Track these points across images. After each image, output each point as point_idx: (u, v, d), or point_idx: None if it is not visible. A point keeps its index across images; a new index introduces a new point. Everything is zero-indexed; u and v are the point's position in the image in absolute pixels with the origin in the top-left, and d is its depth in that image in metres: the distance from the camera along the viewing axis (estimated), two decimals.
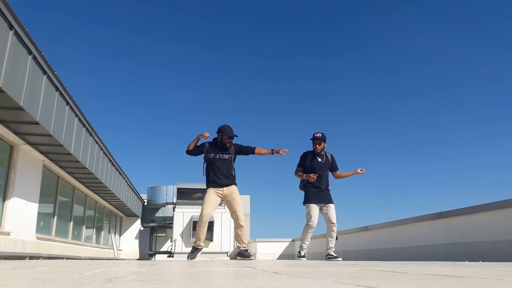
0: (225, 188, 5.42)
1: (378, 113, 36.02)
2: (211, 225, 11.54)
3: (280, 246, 11.01)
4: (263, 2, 35.37)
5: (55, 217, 10.39)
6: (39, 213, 8.78)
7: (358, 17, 34.74)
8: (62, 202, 10.99)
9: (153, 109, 35.39)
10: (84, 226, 13.35)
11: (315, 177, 5.55)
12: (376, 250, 6.63)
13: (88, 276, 1.69)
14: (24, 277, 1.63)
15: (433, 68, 33.74)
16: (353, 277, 1.57)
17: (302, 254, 5.69)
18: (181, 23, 34.60)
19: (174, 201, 14.33)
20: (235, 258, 6.10)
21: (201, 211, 5.36)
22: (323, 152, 5.82)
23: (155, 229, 18.65)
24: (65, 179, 10.81)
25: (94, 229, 14.80)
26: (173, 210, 12.81)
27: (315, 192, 5.62)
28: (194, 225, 11.82)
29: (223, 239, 12.23)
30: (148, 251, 18.01)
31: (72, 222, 11.85)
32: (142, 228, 19.20)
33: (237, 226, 5.49)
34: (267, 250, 10.96)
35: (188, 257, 5.45)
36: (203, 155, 5.54)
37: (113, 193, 13.17)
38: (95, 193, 13.33)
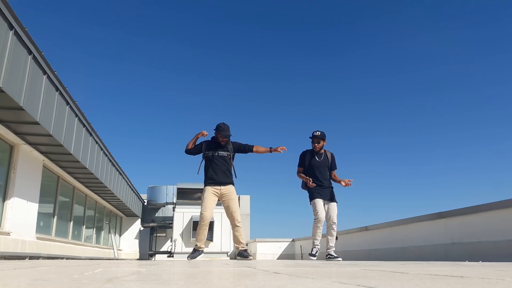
0: (222, 187, 5.42)
1: (378, 113, 36.03)
2: (211, 225, 11.53)
3: (280, 246, 11.02)
4: (263, 2, 35.38)
5: (55, 217, 10.39)
6: (39, 213, 8.78)
7: (358, 17, 34.74)
8: (62, 202, 10.99)
9: (153, 109, 35.40)
10: (84, 226, 13.35)
11: (313, 185, 5.55)
12: (376, 250, 6.63)
13: (88, 276, 1.69)
14: (24, 277, 1.64)
15: (433, 68, 33.74)
16: (353, 277, 1.57)
17: (313, 252, 5.58)
18: (181, 23, 34.61)
19: (174, 201, 14.35)
20: (235, 258, 6.10)
21: (201, 214, 5.34)
22: (322, 151, 5.80)
23: (155, 229, 18.65)
24: (65, 179, 10.81)
25: (94, 229, 14.80)
26: (173, 210, 12.82)
27: (319, 189, 5.63)
28: (194, 225, 11.83)
29: (223, 239, 12.23)
30: (148, 251, 18.01)
31: (72, 222, 11.85)
32: (142, 228, 19.20)
33: (233, 226, 5.48)
34: (267, 250, 10.96)
35: (188, 257, 5.46)
36: (202, 153, 5.55)
37: (113, 193, 13.17)
38: (95, 193, 13.33)
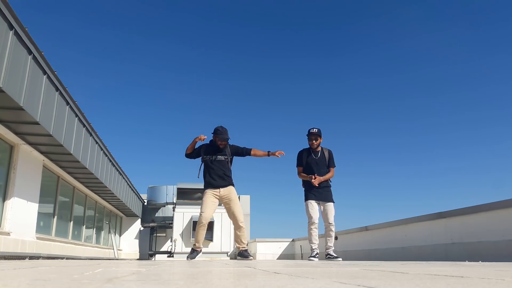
0: (221, 189, 5.43)
1: (378, 113, 36.03)
2: (211, 225, 11.54)
3: (280, 246, 11.01)
4: (263, 2, 35.39)
5: (55, 217, 10.39)
6: (39, 213, 8.78)
7: (358, 17, 34.75)
8: (62, 202, 10.99)
9: (153, 109, 35.41)
10: (84, 226, 13.35)
11: (315, 182, 5.52)
12: (376, 250, 6.63)
13: (88, 276, 1.69)
14: (24, 277, 1.63)
15: (433, 68, 33.75)
16: (353, 277, 1.57)
17: (313, 254, 5.55)
18: (181, 23, 34.61)
19: (174, 201, 14.34)
20: (235, 258, 6.10)
21: (200, 214, 5.36)
22: (319, 148, 5.77)
23: (155, 229, 18.65)
24: (65, 179, 10.81)
25: (94, 229, 14.80)
26: (173, 210, 12.82)
27: (314, 189, 5.60)
28: (194, 225, 11.80)
29: (223, 239, 12.23)
30: (148, 251, 18.02)
31: (72, 222, 11.86)
32: (142, 228, 19.20)
33: (237, 227, 5.49)
34: (267, 250, 10.96)
35: (187, 258, 5.46)
36: (200, 157, 5.57)
37: (113, 193, 13.17)
38: (95, 193, 13.33)
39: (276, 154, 5.49)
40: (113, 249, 17.22)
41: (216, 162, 5.47)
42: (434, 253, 5.09)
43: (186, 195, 13.13)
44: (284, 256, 10.82)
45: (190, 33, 35.26)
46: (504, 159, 31.45)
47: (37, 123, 6.47)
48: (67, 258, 9.11)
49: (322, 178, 5.60)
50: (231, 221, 5.61)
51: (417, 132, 34.60)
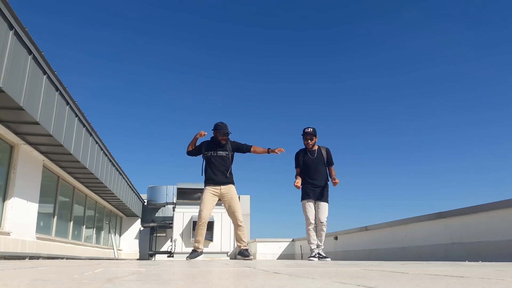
0: (222, 187, 5.43)
1: (378, 113, 36.01)
2: (211, 225, 11.54)
3: (280, 246, 11.01)
4: (263, 2, 35.37)
5: (55, 217, 10.39)
6: (39, 213, 8.78)
7: (358, 17, 34.73)
8: (62, 202, 10.99)
9: (153, 109, 35.38)
10: (84, 226, 13.35)
11: (298, 186, 5.54)
12: (376, 250, 6.63)
13: (88, 276, 1.69)
14: (24, 277, 1.63)
15: (433, 68, 33.73)
16: (353, 277, 1.57)
17: (313, 254, 5.56)
18: (181, 23, 34.59)
19: (174, 201, 14.34)
20: (235, 258, 6.10)
21: (199, 213, 5.35)
22: (315, 147, 5.76)
23: (155, 229, 18.65)
24: (65, 179, 10.81)
25: (94, 229, 14.80)
26: (173, 210, 12.82)
27: (310, 188, 5.61)
28: (194, 225, 11.78)
29: (223, 239, 12.23)
30: (148, 251, 18.02)
31: (72, 222, 11.85)
32: (142, 228, 19.20)
33: (236, 226, 5.49)
34: (267, 250, 10.96)
35: (187, 258, 5.46)
36: (202, 154, 5.57)
37: (113, 193, 13.17)
38: (95, 193, 13.33)
39: (276, 151, 5.50)
40: (113, 249, 17.22)
41: (217, 157, 5.47)
42: (434, 253, 5.09)
43: (186, 195, 13.13)
44: (284, 256, 10.82)
45: (190, 33, 35.26)
46: (504, 159, 31.45)
47: (37, 123, 6.47)
48: (67, 258, 9.11)
49: (337, 181, 5.64)
50: (231, 221, 5.62)
51: (417, 132, 34.61)
